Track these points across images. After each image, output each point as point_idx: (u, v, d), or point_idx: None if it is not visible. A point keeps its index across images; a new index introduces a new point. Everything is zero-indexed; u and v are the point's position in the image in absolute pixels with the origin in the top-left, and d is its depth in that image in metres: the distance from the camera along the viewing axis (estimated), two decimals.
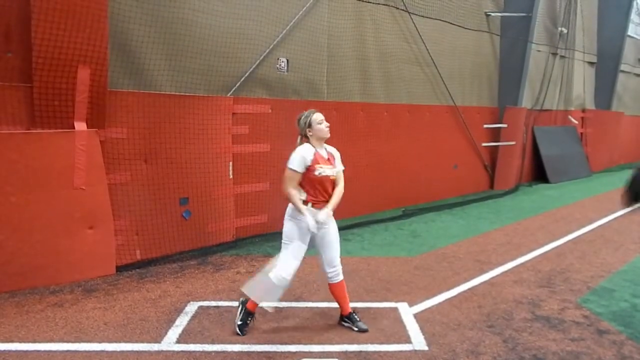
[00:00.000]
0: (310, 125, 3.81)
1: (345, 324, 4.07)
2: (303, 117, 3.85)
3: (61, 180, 4.84)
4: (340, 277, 4.01)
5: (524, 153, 11.83)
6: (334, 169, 3.88)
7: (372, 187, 8.24)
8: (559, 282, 5.21)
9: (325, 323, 4.14)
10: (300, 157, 3.75)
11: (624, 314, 4.40)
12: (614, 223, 7.98)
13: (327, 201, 3.85)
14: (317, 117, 3.84)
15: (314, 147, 3.82)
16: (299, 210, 3.74)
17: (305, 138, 3.86)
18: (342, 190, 3.91)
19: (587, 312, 4.44)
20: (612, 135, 15.64)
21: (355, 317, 4.07)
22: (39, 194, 4.72)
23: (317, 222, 3.72)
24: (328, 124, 3.89)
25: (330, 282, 4.02)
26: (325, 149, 3.92)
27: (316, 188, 3.80)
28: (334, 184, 3.89)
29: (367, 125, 8.08)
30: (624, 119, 16.30)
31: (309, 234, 3.80)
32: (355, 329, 4.00)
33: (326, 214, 3.77)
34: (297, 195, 3.78)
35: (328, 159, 3.87)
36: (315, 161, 3.77)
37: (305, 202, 3.79)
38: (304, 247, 3.85)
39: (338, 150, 4.01)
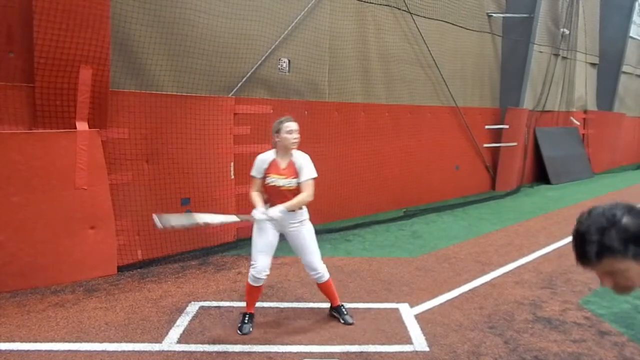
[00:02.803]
0: (278, 132, 3.81)
1: (334, 315, 4.21)
2: (276, 122, 3.85)
3: (63, 180, 4.84)
4: (325, 278, 4.08)
5: (526, 154, 11.81)
6: (290, 180, 3.81)
7: (374, 188, 8.24)
8: (560, 283, 5.20)
9: (326, 324, 4.14)
10: (257, 161, 3.87)
11: (626, 315, 4.39)
12: None
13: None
14: (289, 125, 3.81)
15: (275, 154, 3.86)
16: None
17: (273, 144, 3.89)
18: (306, 198, 3.80)
19: (588, 313, 4.43)
20: (613, 137, 15.62)
21: (343, 310, 4.18)
22: (40, 194, 4.72)
23: (268, 215, 3.70)
24: (297, 137, 3.83)
25: (317, 282, 4.14)
26: (291, 158, 3.86)
27: (270, 195, 3.86)
28: (294, 194, 3.81)
29: (369, 126, 8.07)
30: (625, 120, 16.28)
31: (270, 230, 3.89)
32: (342, 321, 4.12)
33: (278, 210, 3.69)
34: (257, 197, 3.85)
35: (286, 169, 3.84)
36: (270, 170, 3.82)
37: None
38: (264, 243, 3.89)
39: (309, 157, 3.91)
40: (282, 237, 4.04)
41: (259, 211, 3.71)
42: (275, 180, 3.81)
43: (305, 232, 3.96)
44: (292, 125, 3.83)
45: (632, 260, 1.36)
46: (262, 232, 3.90)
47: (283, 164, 3.85)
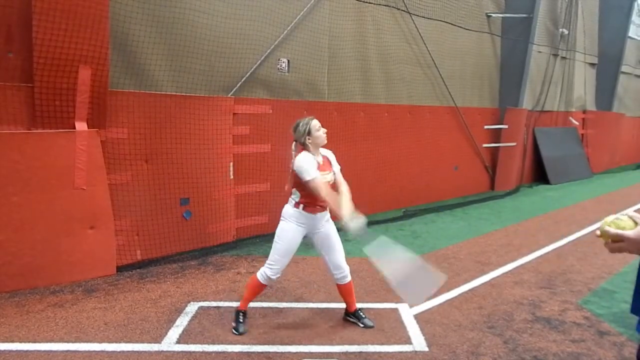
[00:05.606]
0: (309, 133, 3.71)
1: (350, 320, 4.15)
2: (302, 124, 3.73)
3: (62, 180, 4.84)
4: (348, 279, 4.05)
5: (525, 154, 11.83)
6: (331, 174, 3.81)
7: (373, 188, 8.24)
8: (559, 283, 5.21)
9: (325, 323, 4.14)
10: (311, 163, 3.64)
11: (625, 315, 4.38)
12: None
13: (322, 207, 3.82)
14: (316, 123, 3.76)
15: (312, 154, 3.73)
16: (338, 212, 3.57)
17: (302, 146, 3.76)
18: (348, 190, 3.81)
19: (587, 313, 4.44)
20: (612, 137, 15.63)
21: (361, 314, 4.15)
22: (39, 194, 4.72)
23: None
24: (325, 130, 3.80)
25: (338, 283, 4.07)
26: (321, 154, 3.85)
27: (313, 193, 3.68)
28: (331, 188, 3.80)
29: (368, 126, 8.07)
30: (624, 120, 16.29)
31: (302, 236, 3.86)
32: (361, 325, 4.08)
33: (361, 222, 3.57)
34: (337, 197, 3.69)
35: (323, 165, 3.80)
36: (318, 168, 3.72)
37: (297, 204, 3.77)
38: (294, 249, 3.87)
39: (332, 151, 3.97)
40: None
41: (356, 222, 3.54)
42: (324, 177, 3.71)
43: (333, 230, 3.96)
44: (318, 122, 3.77)
45: None
46: (292, 236, 3.80)
47: (320, 160, 3.79)
